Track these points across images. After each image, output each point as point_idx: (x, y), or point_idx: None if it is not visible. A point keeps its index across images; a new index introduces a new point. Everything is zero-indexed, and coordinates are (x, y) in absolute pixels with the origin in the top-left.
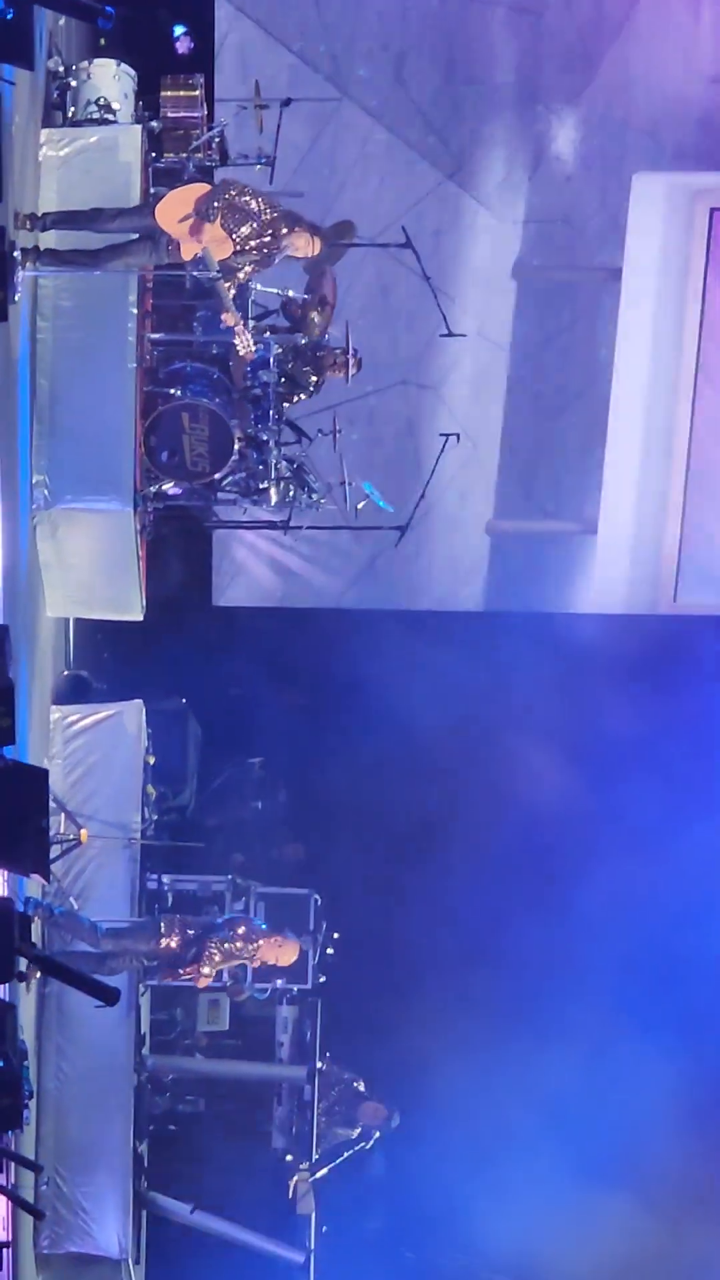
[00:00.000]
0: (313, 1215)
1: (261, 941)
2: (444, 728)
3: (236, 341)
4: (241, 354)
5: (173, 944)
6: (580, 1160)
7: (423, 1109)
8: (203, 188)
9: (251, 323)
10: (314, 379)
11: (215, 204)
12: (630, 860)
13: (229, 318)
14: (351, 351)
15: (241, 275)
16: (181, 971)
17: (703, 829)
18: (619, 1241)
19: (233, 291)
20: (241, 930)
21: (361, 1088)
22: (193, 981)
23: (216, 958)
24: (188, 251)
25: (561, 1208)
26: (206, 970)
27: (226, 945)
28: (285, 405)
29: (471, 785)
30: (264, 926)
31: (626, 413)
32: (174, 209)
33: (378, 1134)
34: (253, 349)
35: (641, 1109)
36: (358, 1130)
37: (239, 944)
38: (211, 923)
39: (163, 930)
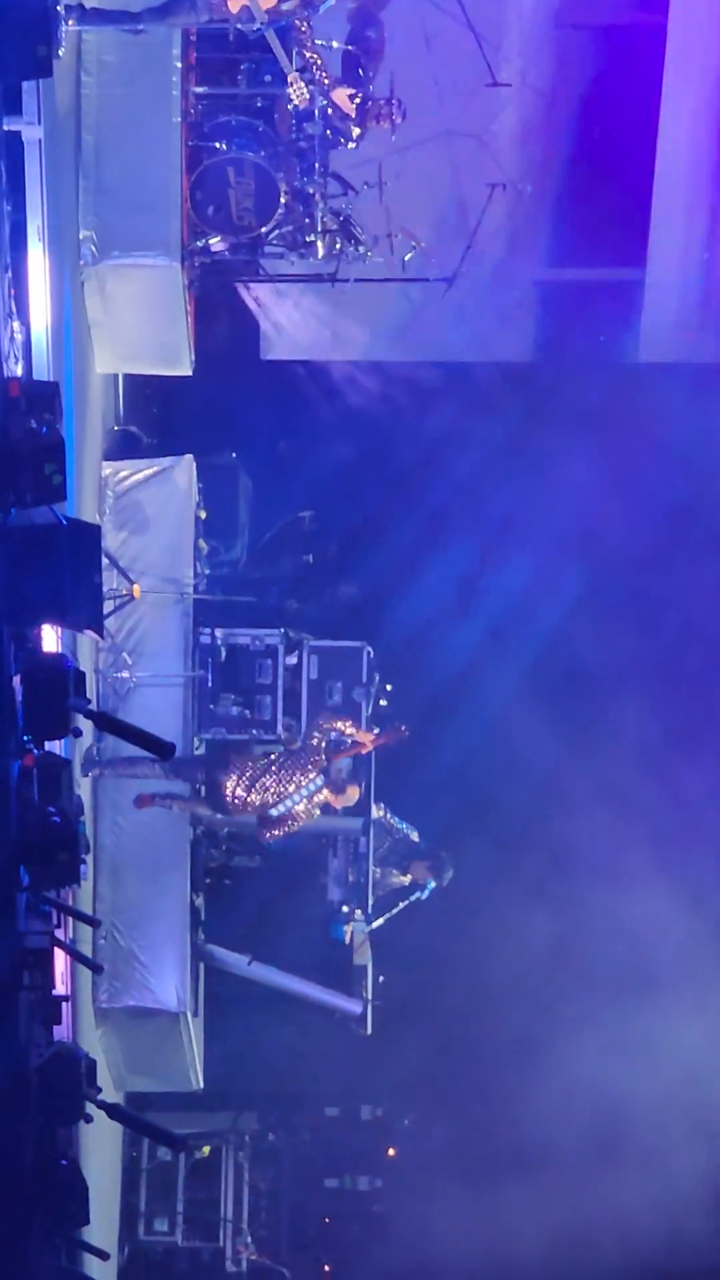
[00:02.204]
0: (369, 965)
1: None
2: (493, 477)
3: (290, 91)
4: (295, 102)
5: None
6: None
7: (471, 863)
8: None
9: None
10: (357, 130)
11: None
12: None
13: (285, 65)
14: (395, 101)
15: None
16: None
17: None
18: None
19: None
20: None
21: (416, 838)
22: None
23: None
24: (234, 3)
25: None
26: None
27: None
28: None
29: (521, 533)
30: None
31: (673, 157)
32: None
33: (433, 884)
34: (306, 97)
35: None
36: (410, 877)
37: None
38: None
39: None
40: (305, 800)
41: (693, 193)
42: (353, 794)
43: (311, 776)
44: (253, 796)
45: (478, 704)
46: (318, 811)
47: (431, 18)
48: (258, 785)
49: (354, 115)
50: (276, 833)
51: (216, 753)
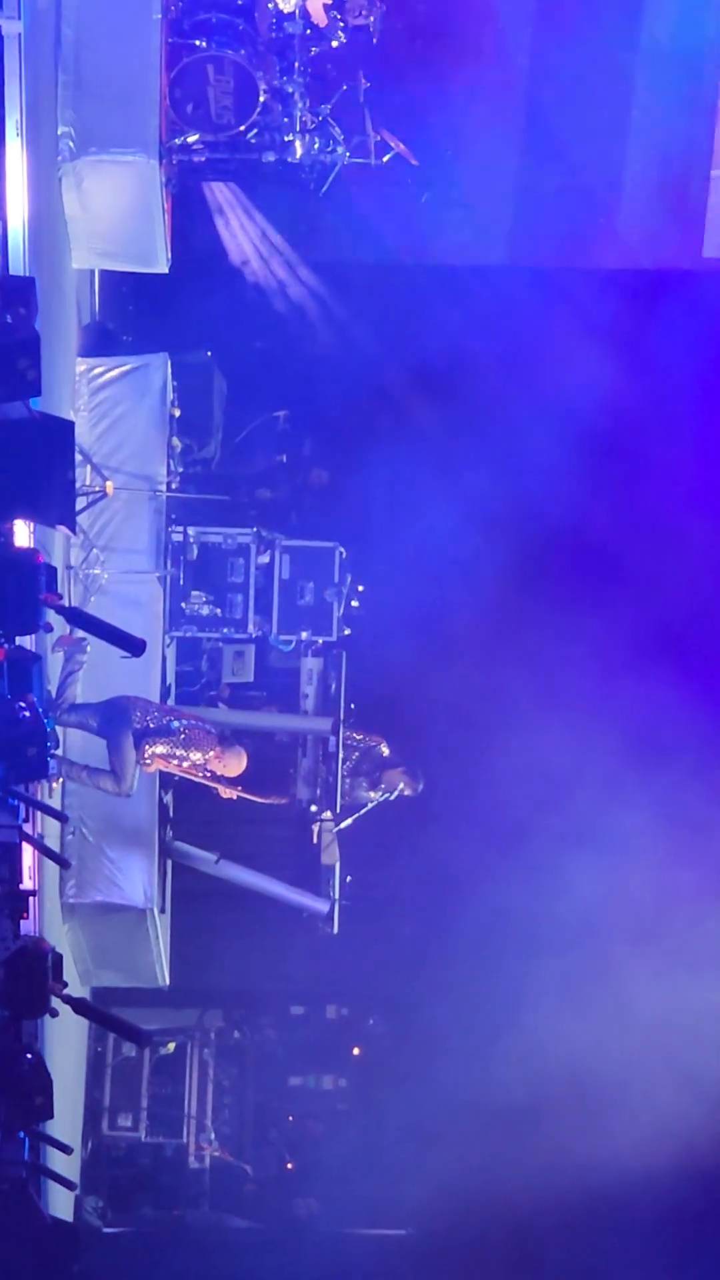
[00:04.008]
0: (337, 865)
1: (213, 750)
2: (464, 376)
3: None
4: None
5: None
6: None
7: (444, 772)
8: None
9: None
10: (341, 28)
11: None
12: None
13: None
14: (377, 3)
15: None
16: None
17: None
18: None
19: None
20: (198, 733)
21: (385, 751)
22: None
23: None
24: None
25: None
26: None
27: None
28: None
29: (494, 424)
30: (214, 732)
31: (654, 61)
32: None
33: (407, 792)
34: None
35: None
36: (382, 793)
37: (182, 751)
38: (168, 726)
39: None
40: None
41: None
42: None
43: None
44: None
45: (451, 614)
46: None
47: None
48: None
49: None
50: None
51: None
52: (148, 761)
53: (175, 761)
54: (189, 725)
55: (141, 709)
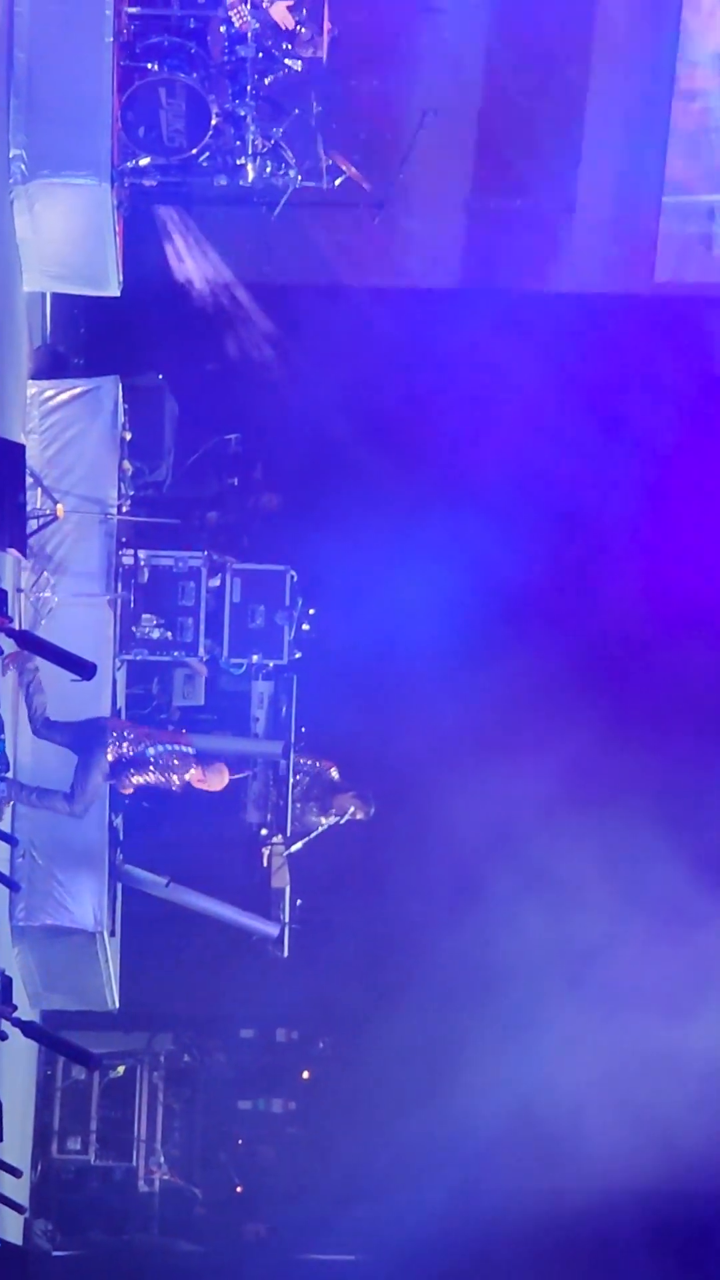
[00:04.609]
0: (287, 888)
1: (192, 770)
2: (415, 399)
3: (232, 15)
4: (237, 26)
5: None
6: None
7: (395, 798)
8: None
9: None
10: (292, 54)
11: None
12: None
13: None
14: (328, 26)
15: None
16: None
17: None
18: None
19: None
20: (174, 759)
21: (336, 776)
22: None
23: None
24: None
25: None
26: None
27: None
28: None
29: (445, 448)
30: (192, 753)
31: (607, 88)
32: None
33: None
34: (248, 19)
35: None
36: (333, 818)
37: (161, 777)
38: (143, 755)
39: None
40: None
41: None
42: (222, 779)
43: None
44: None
45: (403, 638)
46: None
47: None
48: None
49: (292, 28)
50: (134, 777)
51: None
52: (127, 786)
53: (155, 781)
54: (164, 752)
55: (117, 733)
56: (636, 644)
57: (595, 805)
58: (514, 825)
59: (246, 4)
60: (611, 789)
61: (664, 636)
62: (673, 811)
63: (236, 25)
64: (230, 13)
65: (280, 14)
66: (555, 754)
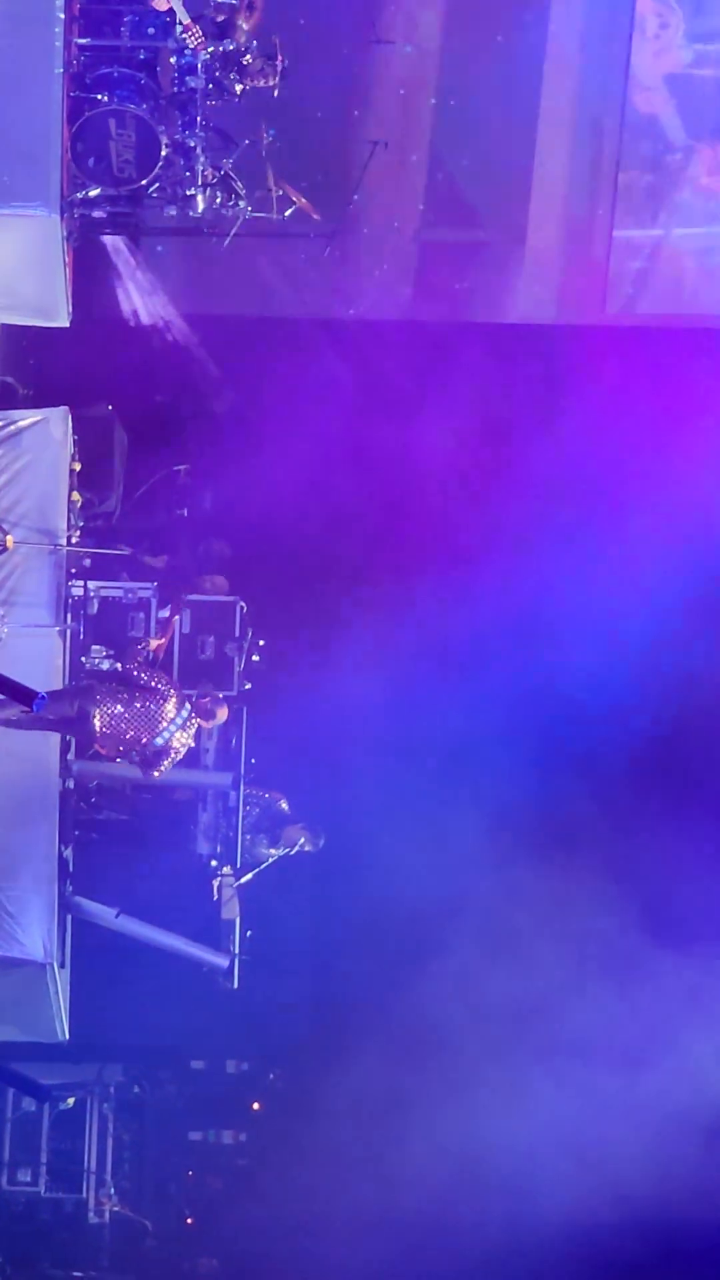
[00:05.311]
0: (237, 920)
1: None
2: (370, 431)
3: (186, 37)
4: (193, 46)
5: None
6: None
7: (345, 829)
8: None
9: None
10: (239, 86)
11: None
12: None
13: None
14: (278, 58)
15: None
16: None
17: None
18: None
19: None
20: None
21: (285, 807)
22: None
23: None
24: None
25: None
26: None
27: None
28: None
29: (395, 478)
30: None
31: (557, 118)
32: None
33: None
34: (203, 40)
35: None
36: (282, 848)
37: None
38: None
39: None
40: (179, 730)
41: (575, 149)
42: (222, 714)
43: (172, 705)
44: (127, 734)
45: (347, 666)
46: (192, 741)
47: None
48: (122, 727)
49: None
50: (164, 765)
51: (85, 685)
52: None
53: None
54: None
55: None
56: (581, 695)
57: (544, 854)
58: (463, 870)
59: (196, 27)
60: (560, 840)
61: (612, 686)
62: (618, 863)
63: (191, 46)
64: (186, 35)
65: (193, 36)
66: (502, 803)
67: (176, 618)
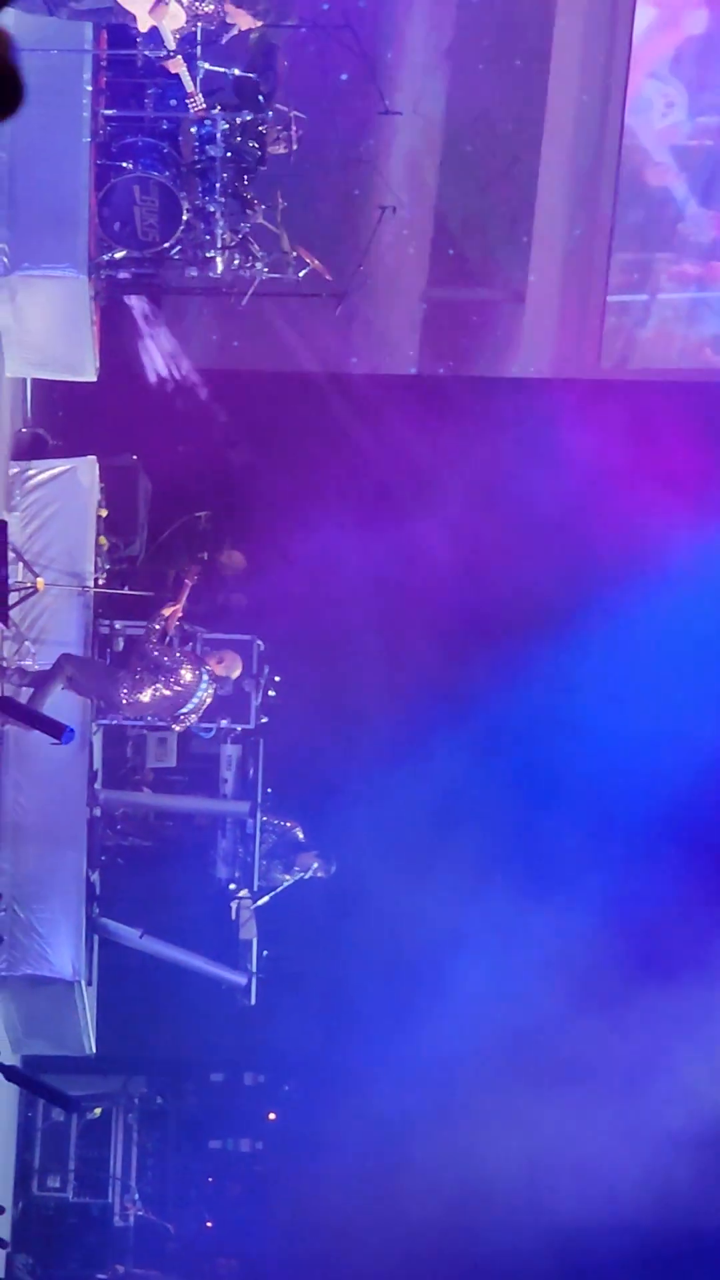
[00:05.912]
0: (254, 940)
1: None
2: (373, 481)
3: (189, 102)
4: (193, 111)
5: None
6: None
7: (356, 857)
8: None
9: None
10: (259, 153)
11: None
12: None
13: (187, 83)
14: (293, 127)
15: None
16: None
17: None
18: None
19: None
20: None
21: (300, 835)
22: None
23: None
24: (143, 24)
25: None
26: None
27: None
28: (229, 178)
29: (412, 538)
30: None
31: (554, 184)
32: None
33: (321, 875)
34: (203, 106)
35: None
36: (297, 873)
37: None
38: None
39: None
40: (204, 692)
41: (572, 209)
42: (236, 670)
43: (191, 675)
44: (152, 711)
45: (365, 699)
46: (211, 697)
47: (328, 49)
48: (149, 706)
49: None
50: (191, 719)
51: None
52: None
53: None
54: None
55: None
56: (588, 737)
57: (549, 885)
58: (466, 898)
59: (199, 94)
60: (561, 872)
61: (605, 726)
62: (609, 892)
63: (193, 112)
64: (188, 101)
65: (195, 103)
66: (508, 834)
67: (188, 582)
